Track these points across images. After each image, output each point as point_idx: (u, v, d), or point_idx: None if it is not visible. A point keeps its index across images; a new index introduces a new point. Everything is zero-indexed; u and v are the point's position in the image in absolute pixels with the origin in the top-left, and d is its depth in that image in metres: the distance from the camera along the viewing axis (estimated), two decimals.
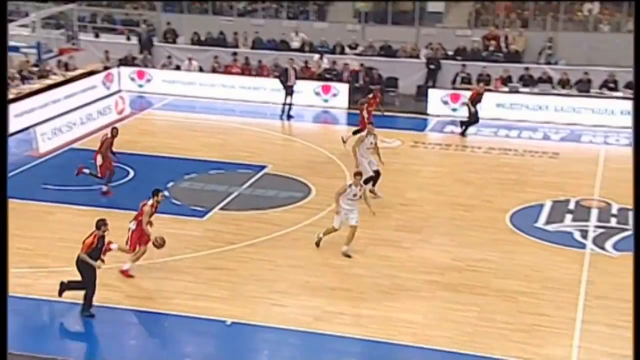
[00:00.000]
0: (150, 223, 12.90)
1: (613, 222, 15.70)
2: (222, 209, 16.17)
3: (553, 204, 16.59)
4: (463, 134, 22.03)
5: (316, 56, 26.58)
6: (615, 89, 23.87)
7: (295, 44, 27.95)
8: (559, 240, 14.73)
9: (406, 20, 28.57)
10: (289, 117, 23.50)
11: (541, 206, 16.46)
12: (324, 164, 19.28)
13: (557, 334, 11.45)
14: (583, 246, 14.53)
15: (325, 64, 26.39)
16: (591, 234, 15.00)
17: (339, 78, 25.65)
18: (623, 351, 10.94)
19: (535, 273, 13.44)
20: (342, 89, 25.03)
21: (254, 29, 28.67)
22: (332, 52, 27.23)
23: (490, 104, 23.51)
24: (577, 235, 14.98)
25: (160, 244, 12.77)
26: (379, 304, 12.32)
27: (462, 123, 22.23)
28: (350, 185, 13.84)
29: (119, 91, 25.58)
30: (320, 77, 25.67)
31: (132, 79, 26.30)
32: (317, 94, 25.04)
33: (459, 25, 28.37)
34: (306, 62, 26.03)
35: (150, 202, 12.86)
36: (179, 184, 17.29)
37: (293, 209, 16.27)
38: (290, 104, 23.53)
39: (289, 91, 23.49)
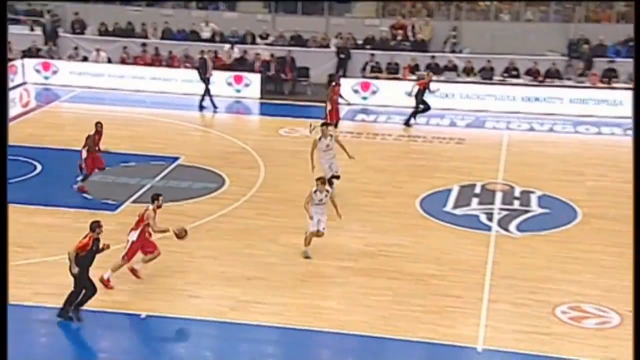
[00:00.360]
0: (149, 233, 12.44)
1: (516, 204, 16.20)
2: (134, 201, 15.83)
3: (460, 188, 16.98)
4: (407, 123, 21.96)
5: (227, 46, 26.33)
6: (516, 76, 24.60)
7: (206, 34, 27.58)
8: (466, 224, 15.10)
9: (316, 10, 28.63)
10: (201, 107, 23.22)
11: (449, 191, 16.82)
12: (238, 154, 19.15)
13: (466, 314, 11.75)
14: (489, 228, 14.93)
15: (236, 54, 26.17)
16: (496, 217, 15.44)
17: (250, 68, 25.50)
18: (526, 328, 11.35)
19: (444, 256, 13.74)
20: (254, 79, 24.89)
21: (163, 19, 28.14)
22: (243, 42, 27.03)
23: (399, 92, 23.85)
24: (483, 218, 15.39)
25: (183, 235, 12.35)
26: (294, 292, 12.35)
27: (415, 113, 22.10)
28: (315, 192, 13.59)
29: (24, 83, 24.69)
30: (231, 68, 25.46)
31: (38, 71, 25.42)
32: (229, 84, 24.82)
33: (368, 15, 28.64)
34: (216, 53, 25.75)
35: (151, 207, 12.36)
36: (90, 178, 16.82)
37: (207, 200, 16.11)
38: (204, 96, 23.25)
39: (208, 82, 23.25)
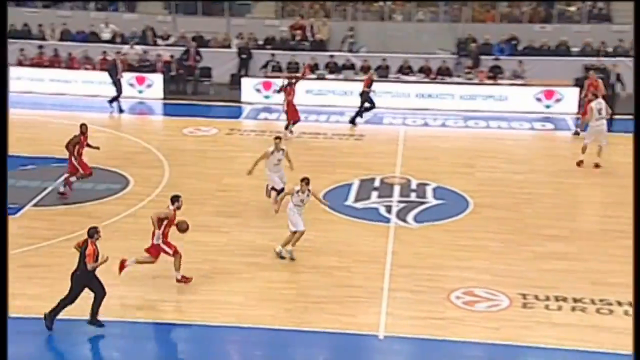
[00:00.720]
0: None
1: (413, 196, 16.58)
2: (35, 205, 15.31)
3: (360, 182, 17.25)
4: (353, 121, 21.94)
5: (126, 47, 25.76)
6: (409, 74, 25.15)
7: (106, 36, 26.91)
8: (366, 216, 15.35)
9: (216, 11, 28.42)
10: (120, 109, 22.82)
11: (350, 185, 17.06)
12: (141, 155, 18.80)
13: (367, 303, 11.95)
14: (388, 220, 15.23)
15: (137, 55, 25.65)
16: (394, 209, 15.76)
17: (152, 69, 25.05)
18: (424, 314, 11.65)
19: (347, 248, 13.92)
20: (156, 80, 24.48)
21: (60, 21, 27.25)
22: (144, 43, 26.51)
23: (300, 91, 23.95)
24: (383, 211, 15.68)
25: (185, 228, 12.21)
26: (200, 289, 12.25)
27: (361, 112, 22.10)
28: (297, 192, 13.34)
29: None
30: (133, 68, 24.93)
31: None
32: (132, 85, 24.31)
33: (267, 15, 28.67)
34: (117, 54, 25.14)
35: (171, 207, 12.13)
36: None
37: (111, 201, 15.75)
38: (116, 97, 22.75)
39: (119, 84, 22.74)
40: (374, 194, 16.62)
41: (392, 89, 24.00)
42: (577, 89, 23.29)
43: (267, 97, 24.17)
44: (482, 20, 27.88)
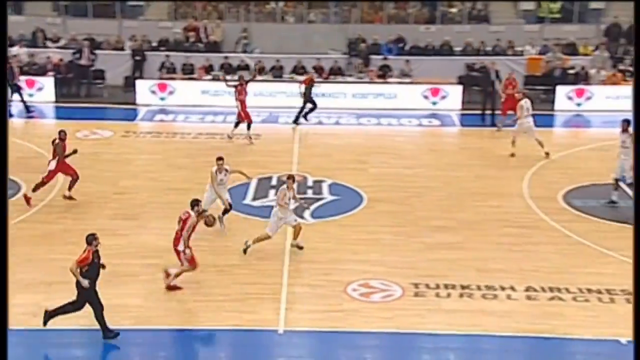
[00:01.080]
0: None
1: (310, 193, 16.75)
2: None
3: (258, 181, 17.24)
4: (296, 121, 21.78)
5: (15, 49, 24.69)
6: (303, 74, 25.30)
7: None
8: (265, 214, 15.30)
9: (107, 13, 27.67)
10: (29, 112, 21.93)
11: (248, 184, 17.03)
12: (34, 160, 18.09)
13: (267, 300, 11.99)
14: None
15: (26, 57, 24.65)
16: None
17: (42, 72, 24.13)
18: (322, 307, 11.82)
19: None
20: (47, 83, 23.59)
21: None
22: (34, 45, 25.51)
23: (196, 92, 23.76)
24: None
25: (212, 222, 12.39)
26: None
27: (304, 113, 21.93)
28: (286, 188, 13.29)
29: None
30: (22, 71, 23.92)
31: None
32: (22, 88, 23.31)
33: (160, 17, 28.17)
34: (13, 57, 24.08)
35: (193, 213, 11.98)
36: None
37: None
38: (22, 101, 21.88)
39: (15, 89, 21.79)
40: (272, 192, 16.67)
41: (287, 88, 24.05)
42: (460, 87, 24.16)
43: (162, 98, 23.77)
44: (371, 21, 28.41)
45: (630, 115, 16.12)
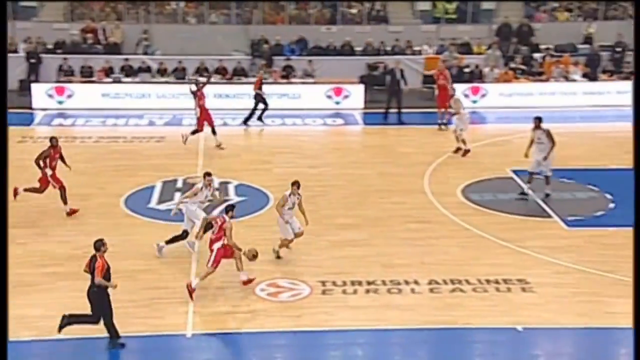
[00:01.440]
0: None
1: (216, 194, 16.55)
2: None
3: (163, 184, 16.99)
4: (247, 120, 21.70)
5: None
6: (206, 75, 25.04)
7: None
8: (170, 217, 15.12)
9: None
10: None
11: (152, 188, 16.74)
12: None
13: (175, 303, 11.83)
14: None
15: None
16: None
17: None
18: (231, 308, 11.79)
19: (152, 251, 13.62)
20: None
21: None
22: None
23: (96, 95, 23.15)
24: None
25: (254, 255, 12.38)
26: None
27: (255, 115, 21.79)
28: (290, 195, 13.00)
29: None
30: None
31: None
32: None
33: (55, 19, 27.22)
34: None
35: (227, 218, 12.05)
36: None
37: None
38: None
39: None
40: (177, 194, 16.42)
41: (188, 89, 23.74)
42: (362, 86, 24.55)
43: (60, 102, 23.01)
44: (273, 22, 28.43)
45: (535, 113, 16.84)
